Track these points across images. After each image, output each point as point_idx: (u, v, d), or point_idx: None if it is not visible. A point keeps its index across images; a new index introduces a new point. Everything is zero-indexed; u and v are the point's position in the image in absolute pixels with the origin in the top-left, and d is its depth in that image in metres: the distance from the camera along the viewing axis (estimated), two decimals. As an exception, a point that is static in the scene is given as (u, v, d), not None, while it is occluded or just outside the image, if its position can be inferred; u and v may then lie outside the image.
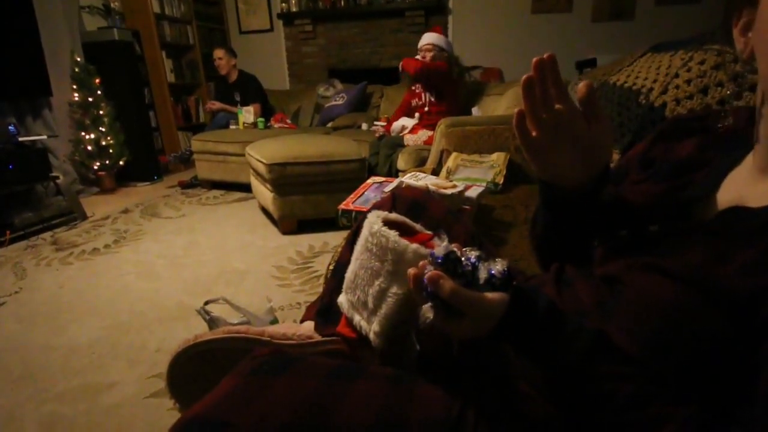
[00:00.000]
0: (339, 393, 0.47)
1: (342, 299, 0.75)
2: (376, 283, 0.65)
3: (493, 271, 0.45)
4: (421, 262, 0.47)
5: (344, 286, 0.74)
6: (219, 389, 0.47)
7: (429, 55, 2.86)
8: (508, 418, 0.52)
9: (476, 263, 0.46)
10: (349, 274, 0.72)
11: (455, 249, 0.47)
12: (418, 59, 2.82)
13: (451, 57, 2.88)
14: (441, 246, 0.47)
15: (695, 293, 0.40)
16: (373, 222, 0.65)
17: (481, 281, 0.45)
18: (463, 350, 0.61)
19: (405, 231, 0.67)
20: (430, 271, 0.45)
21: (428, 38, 2.87)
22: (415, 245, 0.61)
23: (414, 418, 0.46)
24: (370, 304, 0.66)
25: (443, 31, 3.14)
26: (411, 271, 0.47)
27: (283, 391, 0.46)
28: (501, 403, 0.53)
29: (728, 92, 0.78)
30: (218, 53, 3.77)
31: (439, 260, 0.45)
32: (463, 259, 0.46)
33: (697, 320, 0.39)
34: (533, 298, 0.46)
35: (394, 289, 0.64)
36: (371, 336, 0.67)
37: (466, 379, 0.57)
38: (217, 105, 3.86)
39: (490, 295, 0.44)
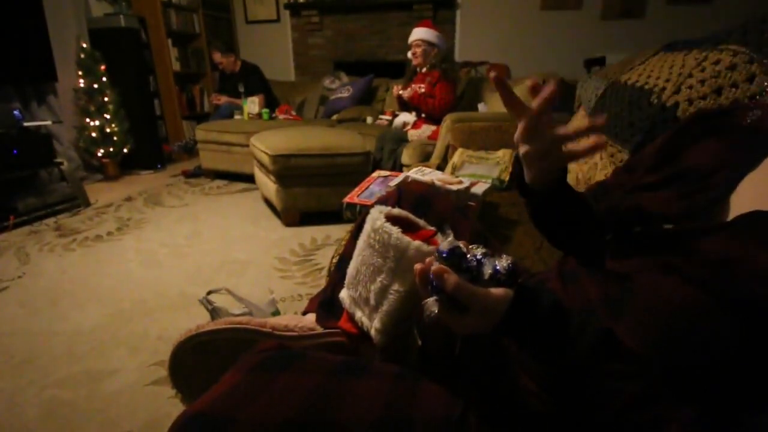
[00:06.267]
0: (342, 390, 0.47)
1: (344, 294, 0.75)
2: (378, 279, 0.65)
3: (498, 267, 0.45)
4: (427, 258, 0.47)
5: (346, 281, 0.73)
6: (222, 384, 0.47)
7: (419, 51, 2.83)
8: (510, 416, 0.52)
9: (481, 259, 0.46)
10: (351, 270, 0.71)
11: (461, 245, 0.47)
12: (411, 90, 2.81)
13: (441, 53, 2.83)
14: (446, 241, 0.47)
15: (708, 295, 0.39)
16: (376, 218, 0.64)
17: (486, 277, 0.45)
18: (465, 347, 0.61)
19: (408, 227, 0.67)
20: (435, 266, 0.45)
21: (417, 34, 2.83)
22: (417, 243, 0.60)
23: (417, 417, 0.46)
24: (372, 301, 0.66)
25: (450, 25, 3.09)
26: (417, 265, 0.47)
27: (287, 388, 0.46)
28: (502, 401, 0.53)
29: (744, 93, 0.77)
30: (216, 57, 3.76)
31: (444, 255, 0.45)
32: (468, 254, 0.46)
33: (708, 322, 0.39)
34: (537, 295, 0.46)
35: (395, 287, 0.63)
36: (372, 333, 0.67)
37: (467, 376, 0.57)
38: (222, 99, 3.84)
39: (494, 290, 0.44)
